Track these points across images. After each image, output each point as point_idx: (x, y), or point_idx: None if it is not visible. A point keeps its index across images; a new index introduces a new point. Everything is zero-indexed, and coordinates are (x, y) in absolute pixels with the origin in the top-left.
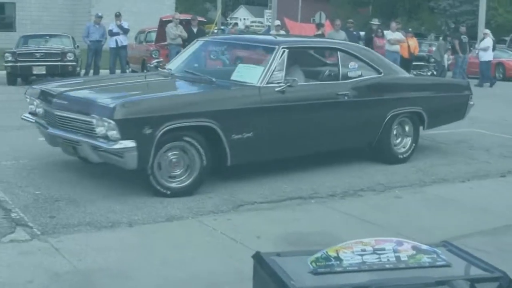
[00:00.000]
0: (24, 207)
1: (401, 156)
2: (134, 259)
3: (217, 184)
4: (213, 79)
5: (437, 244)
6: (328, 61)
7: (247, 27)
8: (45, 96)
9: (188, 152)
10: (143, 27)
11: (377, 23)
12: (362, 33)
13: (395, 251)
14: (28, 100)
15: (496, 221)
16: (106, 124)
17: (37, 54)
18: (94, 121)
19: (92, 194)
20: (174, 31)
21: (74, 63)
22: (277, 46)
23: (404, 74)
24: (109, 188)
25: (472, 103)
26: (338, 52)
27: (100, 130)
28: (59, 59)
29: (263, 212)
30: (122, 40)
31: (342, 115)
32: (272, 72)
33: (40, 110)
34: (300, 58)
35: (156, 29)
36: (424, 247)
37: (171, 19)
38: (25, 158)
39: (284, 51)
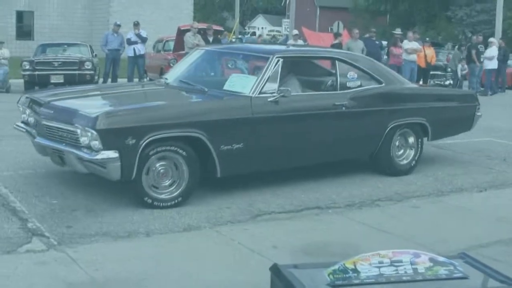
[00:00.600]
0: (40, 216)
1: (403, 168)
2: (152, 269)
3: (234, 194)
4: (206, 89)
5: (454, 256)
6: (326, 71)
7: (273, 36)
8: (34, 106)
9: (176, 162)
10: (161, 36)
11: (400, 32)
12: (384, 43)
13: (412, 263)
14: (20, 109)
15: None
16: (89, 134)
17: (55, 63)
18: (78, 131)
19: (108, 204)
20: (192, 40)
21: (92, 72)
22: (271, 56)
23: (407, 84)
24: (126, 198)
25: (479, 114)
26: (336, 62)
27: (83, 140)
28: (77, 67)
29: (280, 222)
30: (140, 49)
31: (339, 126)
32: (266, 82)
33: (31, 119)
34: (296, 67)
35: (174, 38)
36: (441, 259)
37: (189, 28)
38: (42, 167)
39: (278, 61)
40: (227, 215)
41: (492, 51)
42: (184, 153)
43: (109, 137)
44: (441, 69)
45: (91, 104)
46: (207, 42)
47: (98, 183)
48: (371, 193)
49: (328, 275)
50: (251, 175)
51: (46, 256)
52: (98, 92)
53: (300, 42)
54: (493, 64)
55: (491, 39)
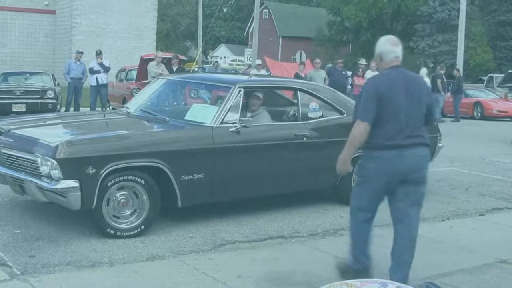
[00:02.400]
0: (3, 246)
1: None
2: None
3: (198, 223)
4: (167, 118)
5: (420, 285)
6: (287, 101)
7: (250, 65)
8: None
9: (136, 192)
10: (124, 65)
11: (364, 63)
12: (348, 73)
13: None
14: None
15: (475, 260)
16: (49, 163)
17: (16, 91)
18: (38, 160)
19: (72, 233)
20: (156, 69)
21: (54, 101)
22: (233, 86)
23: None
24: (90, 227)
25: (441, 145)
26: (298, 92)
27: (44, 169)
28: (39, 96)
29: (244, 251)
30: (102, 78)
31: (301, 157)
32: (227, 112)
33: None
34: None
35: (137, 67)
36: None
37: (152, 57)
38: (5, 196)
39: (240, 91)
40: (191, 244)
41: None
42: (142, 181)
43: (69, 167)
44: None
45: (52, 133)
46: (171, 71)
47: (62, 212)
48: (334, 222)
49: None
50: (214, 205)
51: (9, 286)
52: (59, 121)
53: (263, 72)
54: None
55: (422, 70)
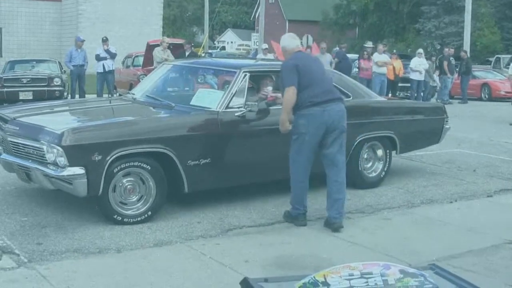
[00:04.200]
0: (10, 234)
1: (372, 180)
2: (123, 285)
3: (205, 209)
4: (173, 104)
5: (424, 267)
6: None
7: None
8: (1, 122)
9: (143, 178)
10: (130, 52)
11: (371, 46)
12: (355, 56)
13: (382, 275)
14: None
15: (483, 241)
16: (55, 150)
17: (23, 79)
18: (44, 147)
19: (79, 220)
20: (161, 55)
21: (61, 88)
22: (238, 70)
23: (375, 97)
24: (96, 214)
25: (448, 126)
26: None
27: (49, 156)
28: (45, 84)
29: (251, 236)
30: (109, 64)
31: None
32: (232, 97)
33: None
34: (264, 82)
35: (143, 53)
36: (412, 270)
37: (158, 43)
38: (12, 184)
39: (245, 75)
40: (198, 230)
41: (414, 61)
42: (149, 167)
43: (75, 154)
44: (410, 81)
45: (57, 120)
46: (183, 56)
47: (68, 200)
48: None
49: None
50: (222, 190)
51: (16, 273)
52: (65, 108)
53: (270, 56)
54: (416, 76)
55: (419, 50)
